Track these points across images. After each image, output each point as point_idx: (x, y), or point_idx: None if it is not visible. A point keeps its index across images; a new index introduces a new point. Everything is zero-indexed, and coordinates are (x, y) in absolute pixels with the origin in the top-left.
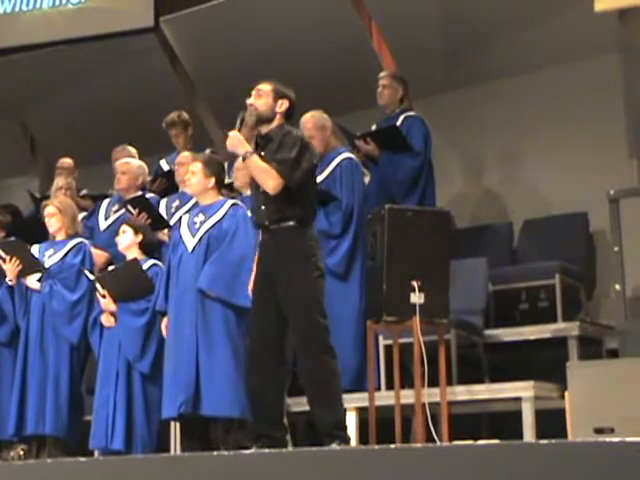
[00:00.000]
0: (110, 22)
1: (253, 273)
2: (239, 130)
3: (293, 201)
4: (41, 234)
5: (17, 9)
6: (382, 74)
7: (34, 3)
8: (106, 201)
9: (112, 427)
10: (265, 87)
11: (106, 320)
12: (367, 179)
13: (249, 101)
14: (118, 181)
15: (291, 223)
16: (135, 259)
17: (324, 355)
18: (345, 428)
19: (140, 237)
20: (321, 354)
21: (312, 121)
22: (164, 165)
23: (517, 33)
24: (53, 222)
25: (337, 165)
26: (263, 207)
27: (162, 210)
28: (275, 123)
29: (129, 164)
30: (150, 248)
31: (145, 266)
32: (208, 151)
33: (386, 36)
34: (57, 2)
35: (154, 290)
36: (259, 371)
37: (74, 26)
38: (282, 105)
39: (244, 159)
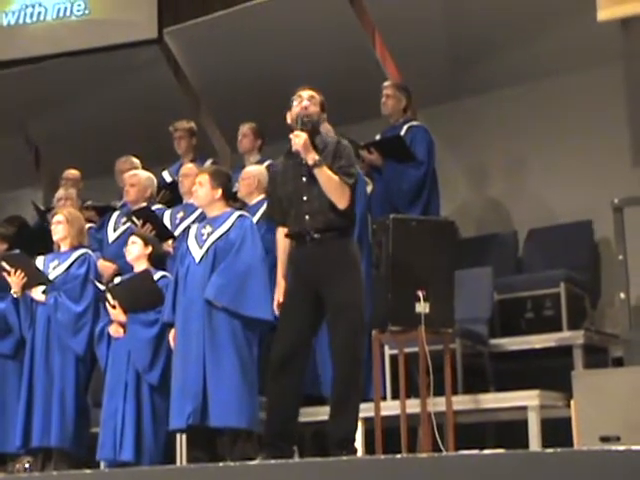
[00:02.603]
0: (114, 34)
1: (281, 289)
2: (302, 131)
3: (340, 211)
4: (45, 245)
5: (21, 22)
6: (386, 84)
7: (38, 16)
8: (116, 213)
9: (121, 438)
10: (317, 96)
11: (115, 331)
12: (369, 188)
13: (304, 104)
14: (127, 193)
15: (337, 233)
16: (147, 270)
17: (360, 368)
18: (354, 441)
19: (150, 249)
20: (354, 367)
21: None
22: (167, 176)
23: (520, 43)
24: (59, 230)
25: None
26: (307, 217)
27: (166, 221)
28: (317, 133)
29: (137, 176)
30: (158, 260)
31: (155, 277)
32: (210, 162)
33: (390, 46)
34: (61, 14)
35: (164, 301)
36: (282, 381)
37: (78, 38)
38: (324, 120)
39: (314, 166)
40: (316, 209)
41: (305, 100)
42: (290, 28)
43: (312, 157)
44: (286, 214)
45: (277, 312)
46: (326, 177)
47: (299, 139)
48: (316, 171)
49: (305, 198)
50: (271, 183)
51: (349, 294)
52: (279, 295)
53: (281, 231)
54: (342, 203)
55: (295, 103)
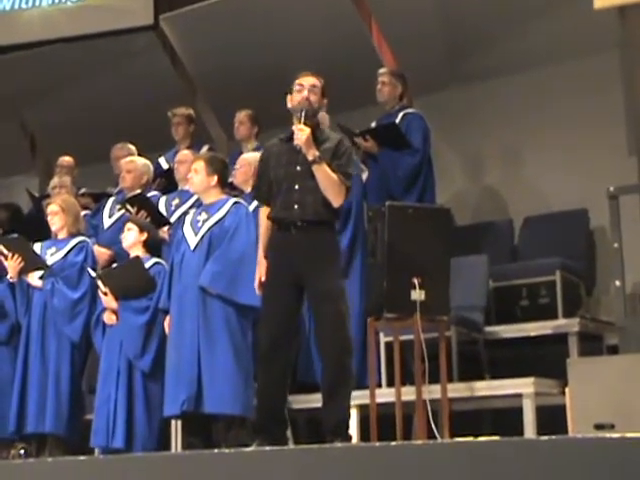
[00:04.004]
0: (110, 20)
1: (263, 268)
2: (305, 125)
3: (332, 207)
4: (40, 232)
5: (16, 7)
6: (381, 71)
7: (33, 1)
8: (111, 199)
9: (113, 425)
10: (318, 83)
11: (108, 318)
12: (365, 176)
13: (304, 95)
14: (123, 180)
15: (323, 223)
16: (137, 257)
17: (349, 356)
18: (348, 427)
19: (145, 235)
20: (344, 355)
21: None
22: (163, 163)
23: (517, 31)
24: (56, 220)
25: None
26: (297, 206)
27: (162, 208)
28: (316, 122)
29: (134, 162)
30: (154, 246)
31: (148, 264)
32: (206, 148)
33: (386, 33)
34: (56, 0)
35: (156, 288)
36: (271, 368)
37: (74, 24)
38: (325, 105)
39: (313, 162)
40: (308, 201)
41: (306, 90)
42: (287, 15)
43: (313, 153)
44: (273, 197)
45: (258, 292)
46: (325, 174)
47: (302, 134)
48: (315, 167)
49: (297, 187)
50: (263, 164)
51: (333, 283)
52: (261, 274)
53: (264, 211)
54: (337, 201)
55: (297, 89)
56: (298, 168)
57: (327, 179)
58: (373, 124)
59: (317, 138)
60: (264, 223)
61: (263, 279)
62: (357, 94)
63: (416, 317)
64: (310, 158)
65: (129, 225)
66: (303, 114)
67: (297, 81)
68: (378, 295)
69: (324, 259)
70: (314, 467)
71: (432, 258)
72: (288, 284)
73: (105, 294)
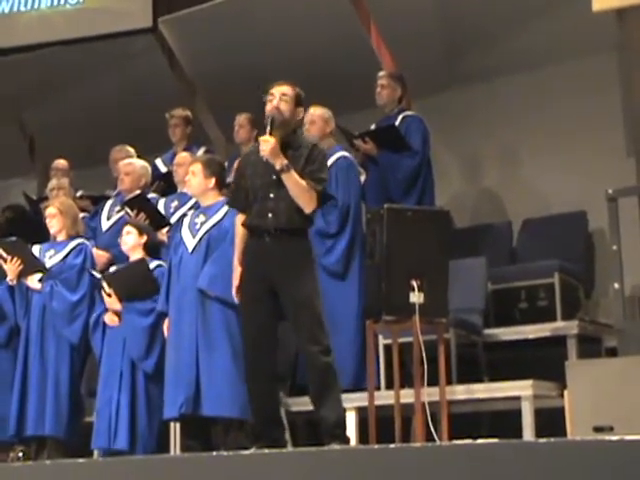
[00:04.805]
0: (108, 23)
1: (238, 269)
2: (270, 134)
3: (305, 214)
4: (39, 235)
5: (15, 9)
6: (381, 74)
7: (32, 3)
8: (109, 202)
9: (115, 427)
10: (290, 91)
11: (110, 319)
12: (363, 178)
13: (274, 104)
14: (121, 182)
15: (296, 230)
16: (143, 259)
17: (329, 357)
18: (345, 427)
19: (145, 238)
20: (327, 356)
21: (321, 111)
22: (160, 165)
23: (515, 32)
24: (54, 223)
25: (333, 164)
26: (271, 215)
27: (161, 210)
28: (292, 131)
29: (132, 165)
30: (154, 249)
31: (151, 266)
32: (202, 150)
33: (385, 34)
34: (55, 3)
35: (159, 290)
36: (257, 374)
37: (72, 27)
38: (300, 113)
39: (281, 171)
40: (281, 209)
41: (276, 99)
42: (285, 17)
43: (280, 162)
44: (249, 205)
45: (235, 297)
46: (293, 182)
47: (266, 145)
48: (283, 176)
49: (272, 196)
50: (239, 172)
51: (307, 288)
52: (236, 280)
53: (240, 218)
54: (308, 207)
55: (269, 98)
56: (274, 177)
57: (296, 186)
58: (372, 126)
59: (291, 145)
60: (240, 230)
61: (236, 284)
62: (356, 96)
63: (415, 319)
64: (277, 167)
65: (128, 228)
66: (270, 122)
67: (270, 90)
68: (377, 297)
69: (297, 267)
70: (313, 469)
71: (431, 260)
72: (263, 291)
73: (109, 295)
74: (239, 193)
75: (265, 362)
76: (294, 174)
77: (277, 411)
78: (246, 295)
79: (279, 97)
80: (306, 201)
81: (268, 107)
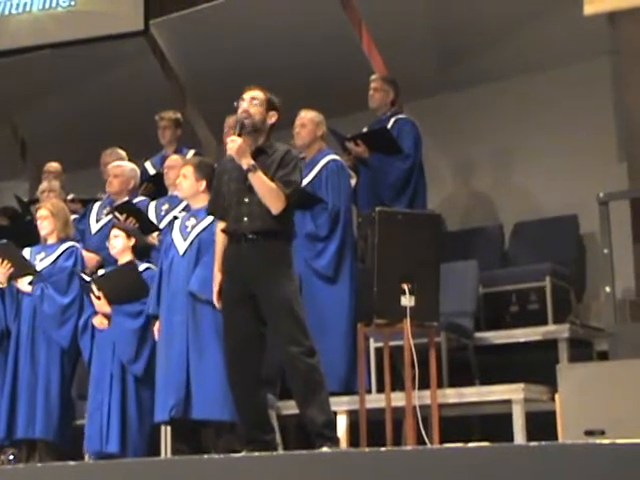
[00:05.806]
0: (100, 25)
1: (218, 276)
2: (239, 136)
3: (278, 216)
4: (29, 237)
5: (7, 12)
6: (373, 77)
7: (24, 6)
8: (97, 204)
9: (107, 430)
10: (260, 95)
11: (99, 322)
12: (353, 181)
13: (244, 107)
14: (110, 184)
15: (274, 235)
16: (132, 261)
17: (312, 358)
18: (335, 428)
19: (133, 241)
20: (310, 357)
21: (312, 114)
22: (149, 167)
23: (507, 36)
24: (45, 225)
25: (323, 167)
26: (246, 219)
27: (151, 213)
28: (265, 135)
29: (121, 167)
30: (142, 251)
31: (140, 269)
32: (192, 152)
33: (376, 39)
34: (47, 5)
35: (149, 293)
36: (241, 377)
37: (64, 29)
38: (272, 117)
39: (247, 172)
40: (256, 213)
41: (245, 102)
42: (277, 20)
43: (246, 162)
44: (226, 211)
45: (216, 304)
46: (260, 182)
47: (233, 144)
48: (250, 176)
49: (247, 200)
50: (217, 179)
51: (285, 291)
52: (216, 286)
53: (219, 225)
54: (275, 208)
55: (240, 103)
56: (248, 182)
57: (263, 186)
58: (365, 129)
59: (265, 150)
60: (220, 237)
61: (217, 290)
62: (348, 99)
63: (406, 323)
64: (244, 167)
65: (115, 232)
66: (239, 126)
67: (242, 95)
68: (368, 301)
69: (274, 270)
70: (303, 473)
71: (422, 264)
72: (243, 295)
73: (98, 298)
74: (218, 200)
75: (248, 366)
76: (261, 174)
77: (264, 414)
78: (227, 300)
79: (249, 101)
80: (272, 202)
81: (238, 111)
